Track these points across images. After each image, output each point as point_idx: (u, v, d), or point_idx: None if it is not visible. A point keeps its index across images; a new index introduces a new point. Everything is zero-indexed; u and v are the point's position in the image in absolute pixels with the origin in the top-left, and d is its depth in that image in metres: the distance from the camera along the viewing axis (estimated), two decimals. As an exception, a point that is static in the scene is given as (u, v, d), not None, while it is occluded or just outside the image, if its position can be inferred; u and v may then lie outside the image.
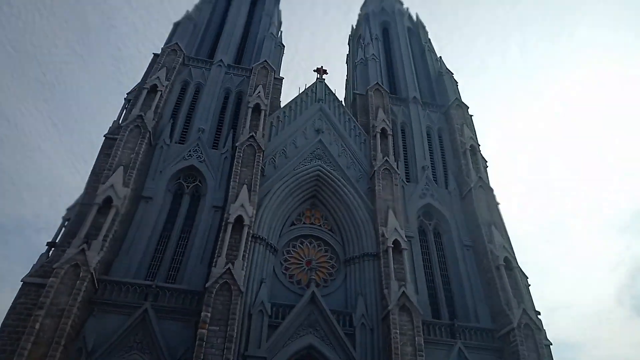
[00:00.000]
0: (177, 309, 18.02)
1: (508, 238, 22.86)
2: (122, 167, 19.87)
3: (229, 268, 17.84)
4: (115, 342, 16.57)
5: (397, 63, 33.96)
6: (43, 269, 17.19)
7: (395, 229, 21.39)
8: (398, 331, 18.16)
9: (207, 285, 17.45)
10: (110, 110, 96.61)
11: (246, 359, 17.35)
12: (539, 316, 20.24)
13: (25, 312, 16.08)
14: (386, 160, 24.29)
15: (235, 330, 16.82)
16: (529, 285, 21.77)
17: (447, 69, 32.46)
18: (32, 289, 16.68)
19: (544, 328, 19.93)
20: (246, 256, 18.91)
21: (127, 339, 16.86)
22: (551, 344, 19.80)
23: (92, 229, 17.79)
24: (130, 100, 24.28)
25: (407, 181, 25.66)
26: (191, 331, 17.42)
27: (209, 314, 16.79)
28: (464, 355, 19.12)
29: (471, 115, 29.44)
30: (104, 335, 16.71)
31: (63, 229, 18.97)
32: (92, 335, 16.51)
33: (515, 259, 21.69)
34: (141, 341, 16.92)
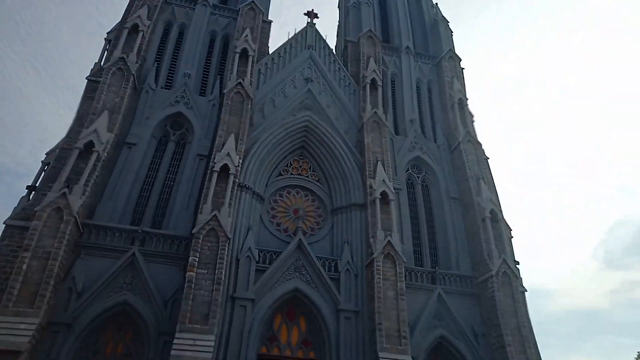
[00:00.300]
0: (164, 254, 18.30)
1: (495, 191, 23.33)
2: (106, 111, 19.46)
3: (215, 215, 17.99)
4: (105, 283, 16.87)
5: (392, 8, 32.91)
6: (25, 212, 17.13)
7: (384, 180, 21.61)
8: (381, 277, 18.76)
9: (194, 232, 17.66)
10: (92, 52, 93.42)
11: (234, 300, 17.85)
12: (517, 266, 21.01)
13: (10, 254, 16.12)
14: (375, 112, 24.17)
15: (223, 274, 17.21)
16: (512, 237, 22.44)
17: (442, 16, 31.74)
18: (15, 232, 16.64)
19: (521, 276, 20.76)
20: (232, 204, 19.04)
21: (117, 280, 17.17)
22: (526, 291, 20.70)
23: (73, 173, 17.59)
24: (111, 40, 23.38)
25: (396, 134, 25.71)
26: (180, 274, 17.79)
27: (196, 259, 17.08)
28: (443, 299, 19.92)
29: (462, 69, 29.17)
30: (93, 276, 16.97)
31: (43, 173, 18.74)
32: (81, 277, 16.76)
33: (501, 211, 22.25)
34: (131, 282, 17.25)
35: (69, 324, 15.83)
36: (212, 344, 15.65)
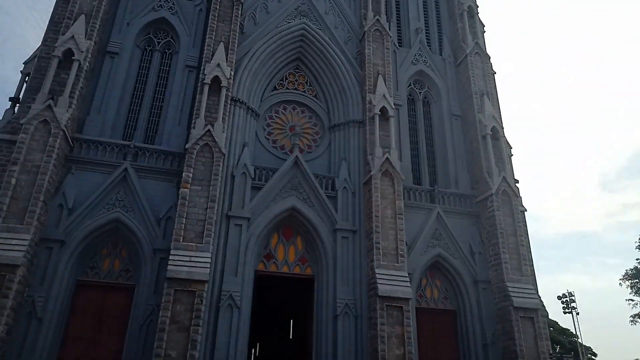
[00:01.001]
0: (157, 169, 17.78)
1: (499, 108, 22.37)
2: (83, 15, 17.82)
3: (208, 130, 17.26)
4: (96, 200, 16.46)
5: None
6: (11, 125, 16.39)
7: (384, 96, 20.52)
8: (379, 195, 18.42)
9: (187, 147, 17.03)
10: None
11: (230, 218, 17.60)
12: (517, 184, 20.67)
13: (-1, 168, 15.65)
14: (377, 19, 22.41)
15: (218, 191, 16.82)
16: (512, 155, 21.88)
17: None
18: (3, 146, 16.16)
19: (520, 195, 20.51)
20: (226, 119, 18.21)
21: (109, 197, 16.76)
22: (525, 210, 20.57)
23: (56, 84, 16.57)
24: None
25: (399, 45, 24.09)
26: (174, 191, 17.40)
27: (190, 174, 16.60)
28: (442, 219, 19.79)
29: (472, -28, 26.72)
30: (84, 192, 16.54)
31: (25, 84, 17.59)
32: (72, 193, 16.31)
33: (503, 128, 21.46)
34: (123, 199, 16.86)
35: (62, 240, 15.62)
36: (208, 260, 15.62)
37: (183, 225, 15.83)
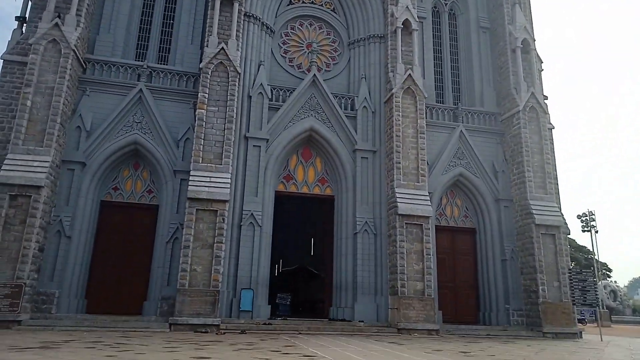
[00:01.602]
0: (172, 90, 17.44)
1: (531, 19, 20.76)
2: None
3: (222, 48, 16.61)
4: (113, 122, 16.39)
5: None
6: (20, 46, 15.98)
7: (407, 7, 19.17)
8: (400, 114, 17.83)
9: (201, 66, 16.51)
10: None
11: (248, 140, 17.41)
12: (545, 101, 19.71)
13: (13, 90, 15.55)
14: None
15: (235, 112, 16.49)
16: (542, 70, 20.67)
17: None
18: (14, 67, 15.86)
19: (549, 112, 19.63)
20: (240, 36, 17.43)
21: (126, 119, 16.64)
22: (553, 128, 19.80)
23: (61, 1, 15.95)
24: None
25: (422, -50, 22.11)
26: (190, 112, 17.17)
27: (206, 95, 16.24)
28: (465, 137, 19.25)
29: None
30: (101, 115, 16.43)
31: (30, 2, 16.87)
32: (89, 115, 16.23)
33: (534, 40, 20.05)
34: (140, 121, 16.73)
35: (82, 162, 15.78)
36: (228, 180, 15.67)
37: (201, 146, 15.74)
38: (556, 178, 18.91)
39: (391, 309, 16.38)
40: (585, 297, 16.68)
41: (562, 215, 18.35)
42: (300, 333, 14.61)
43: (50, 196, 14.66)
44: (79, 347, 8.54)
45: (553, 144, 19.30)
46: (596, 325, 29.74)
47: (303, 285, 26.51)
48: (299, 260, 28.15)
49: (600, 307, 23.56)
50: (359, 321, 16.31)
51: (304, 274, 26.40)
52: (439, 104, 20.14)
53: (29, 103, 14.72)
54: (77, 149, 15.85)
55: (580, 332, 17.25)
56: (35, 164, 14.16)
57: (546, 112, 19.30)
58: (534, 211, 17.60)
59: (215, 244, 14.99)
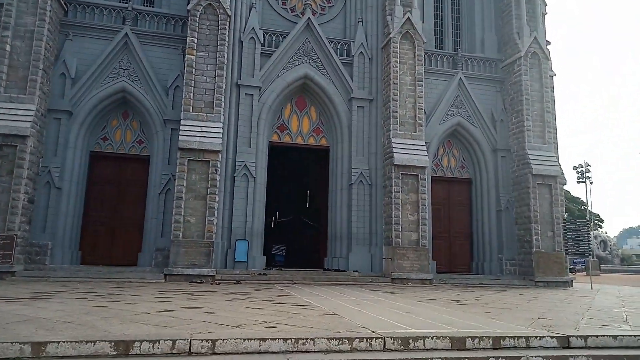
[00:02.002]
0: (160, 35, 16.64)
1: (535, -42, 19.63)
2: None
3: (211, -12, 15.67)
4: (99, 68, 15.70)
5: None
6: (-5, -14, 14.99)
7: (406, -56, 18.01)
8: (398, 60, 17.16)
9: (189, 8, 15.65)
10: None
11: (240, 88, 16.80)
12: (548, 46, 19.00)
13: (-9, 34, 14.70)
14: None
15: (226, 57, 15.80)
16: (546, 13, 19.78)
17: None
18: (-9, 9, 14.94)
19: (551, 58, 18.96)
20: (230, -25, 16.41)
21: (112, 65, 15.95)
22: (555, 75, 19.21)
23: None
24: None
25: None
26: (179, 58, 16.48)
27: (195, 39, 15.50)
28: (464, 85, 18.68)
29: None
30: (86, 61, 15.72)
31: None
32: (73, 61, 15.51)
33: (539, -19, 19.10)
34: (127, 67, 16.04)
35: (69, 111, 15.23)
36: (220, 130, 15.24)
37: (191, 94, 15.18)
38: (555, 127, 18.55)
39: (385, 259, 16.46)
40: (578, 247, 16.79)
41: (559, 164, 18.13)
42: (295, 283, 14.69)
43: (37, 146, 14.23)
44: (69, 298, 8.45)
45: (554, 91, 18.78)
46: (586, 274, 30.44)
47: (299, 237, 26.66)
48: (295, 212, 28.14)
49: (591, 256, 23.86)
50: (354, 271, 16.41)
51: (299, 226, 26.47)
52: (438, 50, 19.41)
53: (8, 47, 14.00)
54: (63, 97, 15.26)
55: (571, 281, 17.50)
56: (20, 112, 13.63)
57: (548, 59, 18.65)
58: (531, 161, 17.36)
59: (208, 195, 14.77)
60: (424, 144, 17.02)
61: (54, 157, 14.98)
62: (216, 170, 14.93)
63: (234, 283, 14.02)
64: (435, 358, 5.00)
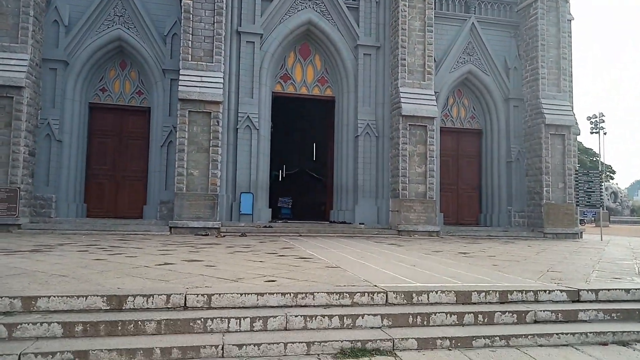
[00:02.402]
0: (155, -21, 15.76)
1: None
2: None
3: None
4: (93, 15, 15.05)
5: None
6: None
7: None
8: (407, 3, 16.22)
9: (185, -51, 14.71)
10: None
11: (240, 35, 16.07)
12: (567, -9, 17.84)
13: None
14: None
15: (224, 2, 15.01)
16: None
17: None
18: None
19: (569, 1, 17.88)
20: None
21: (107, 12, 15.26)
22: (573, 19, 18.17)
23: None
24: None
25: None
26: (176, 4, 15.71)
27: (192, -17, 14.67)
28: (476, 30, 17.73)
29: None
30: (80, 8, 15.07)
31: None
32: (66, 7, 14.88)
33: None
34: (122, 14, 15.34)
35: (64, 61, 14.72)
36: (221, 80, 14.72)
37: (190, 42, 14.56)
38: (571, 75, 17.72)
39: (392, 211, 16.27)
40: (590, 199, 16.44)
41: (574, 114, 17.47)
42: (300, 235, 14.62)
43: (34, 97, 13.86)
44: (70, 251, 8.37)
45: (571, 37, 17.82)
46: (594, 225, 30.31)
47: (306, 190, 26.56)
48: (301, 165, 27.89)
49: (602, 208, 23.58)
50: (360, 224, 16.29)
51: (306, 179, 26.29)
52: (449, -7, 18.34)
53: (-5, -6, 13.37)
54: (57, 47, 14.71)
55: (581, 233, 17.29)
56: (13, 62, 13.17)
57: (567, 1, 17.55)
58: (545, 110, 16.71)
59: (211, 148, 14.47)
60: (433, 93, 16.39)
61: (52, 109, 14.64)
62: (218, 122, 14.54)
63: (239, 235, 13.97)
64: (439, 312, 4.81)
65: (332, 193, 17.80)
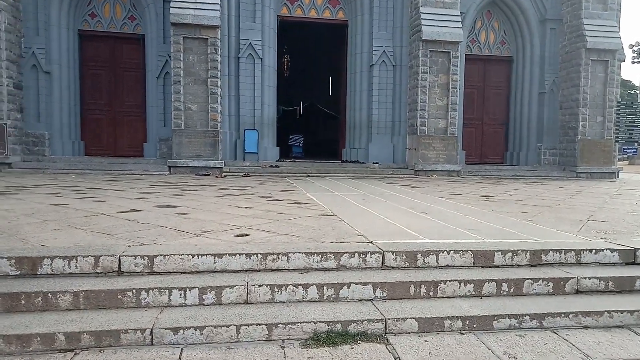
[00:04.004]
0: None
1: None
2: None
3: None
4: None
5: None
6: None
7: None
8: None
9: None
10: None
11: (241, -51, 14.17)
12: None
13: None
14: None
15: None
16: None
17: None
18: None
19: None
20: None
21: None
22: None
23: None
24: None
25: None
26: None
27: None
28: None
29: None
30: None
31: None
32: None
33: None
34: None
35: (44, -19, 13.25)
36: (218, 1, 13.08)
37: (182, -43, 12.82)
38: (622, -7, 15.36)
39: (409, 149, 14.93)
40: (632, 134, 14.71)
41: (620, 37, 15.28)
42: (308, 175, 13.55)
43: (13, 23, 12.61)
44: (40, 194, 7.47)
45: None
46: (628, 163, 28.36)
47: (319, 126, 25.20)
48: (315, 100, 26.32)
49: (641, 144, 21.67)
50: (373, 163, 15.06)
51: (319, 115, 24.82)
52: None
53: None
54: (35, -36, 13.21)
55: (618, 172, 15.70)
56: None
57: None
58: (586, 32, 14.61)
59: (209, 79, 13.16)
60: (459, 14, 14.41)
61: (37, 37, 13.38)
62: (216, 49, 13.10)
63: (242, 176, 12.98)
64: (450, 281, 3.68)
65: (345, 130, 16.47)
